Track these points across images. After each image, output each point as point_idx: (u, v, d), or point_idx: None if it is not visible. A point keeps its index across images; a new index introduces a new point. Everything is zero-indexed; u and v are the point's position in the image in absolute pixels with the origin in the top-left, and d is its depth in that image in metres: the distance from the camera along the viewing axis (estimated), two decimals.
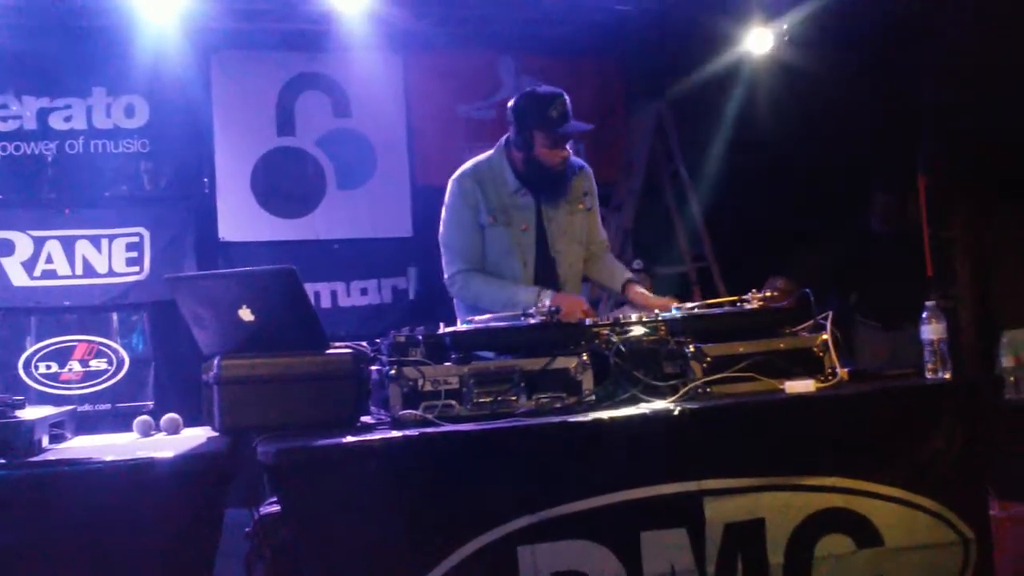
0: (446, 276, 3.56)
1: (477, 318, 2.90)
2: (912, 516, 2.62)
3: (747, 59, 6.35)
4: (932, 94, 5.81)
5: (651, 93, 6.73)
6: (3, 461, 2.29)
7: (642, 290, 3.51)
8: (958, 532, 2.64)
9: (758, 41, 6.23)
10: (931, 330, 2.81)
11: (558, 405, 2.61)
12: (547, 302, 3.20)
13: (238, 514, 2.62)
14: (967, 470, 2.67)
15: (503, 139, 3.54)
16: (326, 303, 6.16)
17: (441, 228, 3.57)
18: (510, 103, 3.48)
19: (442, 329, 2.76)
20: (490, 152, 3.56)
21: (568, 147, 3.45)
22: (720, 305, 3.00)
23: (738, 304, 2.93)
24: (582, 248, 3.64)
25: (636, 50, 6.72)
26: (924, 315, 2.82)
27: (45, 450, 2.51)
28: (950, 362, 2.80)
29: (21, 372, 5.59)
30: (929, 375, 2.81)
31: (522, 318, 2.81)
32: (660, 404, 2.58)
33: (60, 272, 5.74)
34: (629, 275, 3.60)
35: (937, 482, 2.64)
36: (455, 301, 3.63)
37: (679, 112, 6.70)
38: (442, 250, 3.57)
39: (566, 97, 3.39)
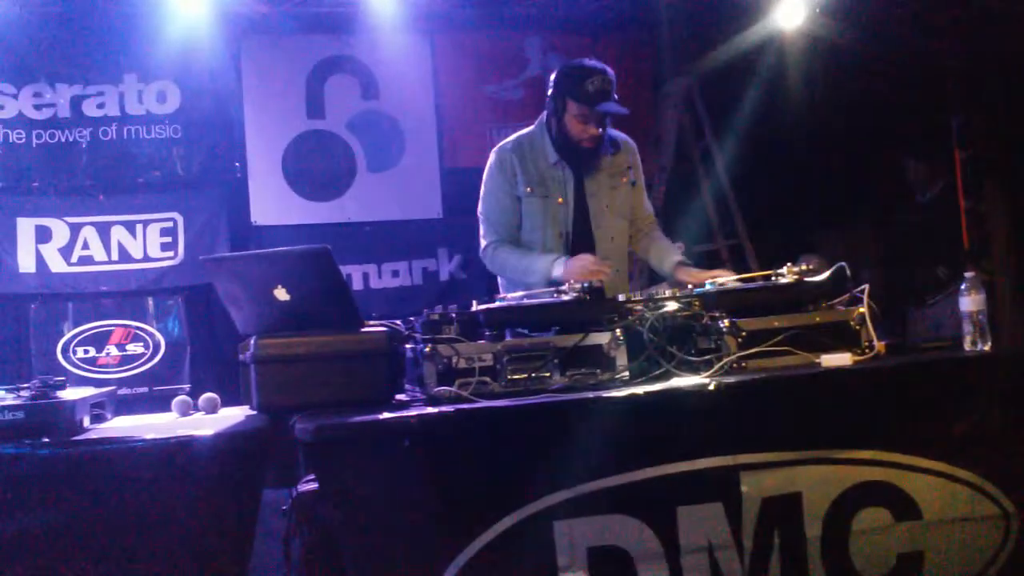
0: (480, 248, 3.59)
1: (510, 295, 2.90)
2: (951, 489, 2.59)
3: (778, 32, 6.26)
4: (966, 65, 5.71)
5: (680, 68, 6.67)
6: (46, 440, 2.33)
7: (694, 271, 3.39)
8: (999, 505, 2.61)
9: (789, 13, 6.14)
10: (970, 302, 2.77)
11: (592, 381, 2.61)
12: (559, 270, 3.22)
13: (275, 495, 2.65)
14: (1008, 443, 2.63)
15: (545, 111, 3.52)
16: (358, 285, 6.19)
17: (480, 200, 3.60)
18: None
19: (475, 307, 2.77)
20: (532, 126, 3.57)
21: (600, 127, 3.40)
22: (754, 279, 2.97)
23: (773, 278, 2.91)
24: (626, 223, 3.62)
25: (664, 25, 6.65)
26: (963, 287, 2.79)
27: (86, 430, 2.55)
28: (989, 334, 2.77)
29: (59, 357, 5.67)
30: (968, 347, 2.77)
31: (554, 295, 2.81)
32: (695, 379, 2.57)
33: (96, 258, 5.81)
34: (680, 258, 3.50)
35: (977, 455, 2.60)
36: (499, 277, 3.66)
37: (709, 87, 6.63)
38: (480, 221, 3.60)
39: (611, 77, 3.35)
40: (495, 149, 3.57)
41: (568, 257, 3.36)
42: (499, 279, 3.66)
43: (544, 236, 3.48)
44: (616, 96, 3.36)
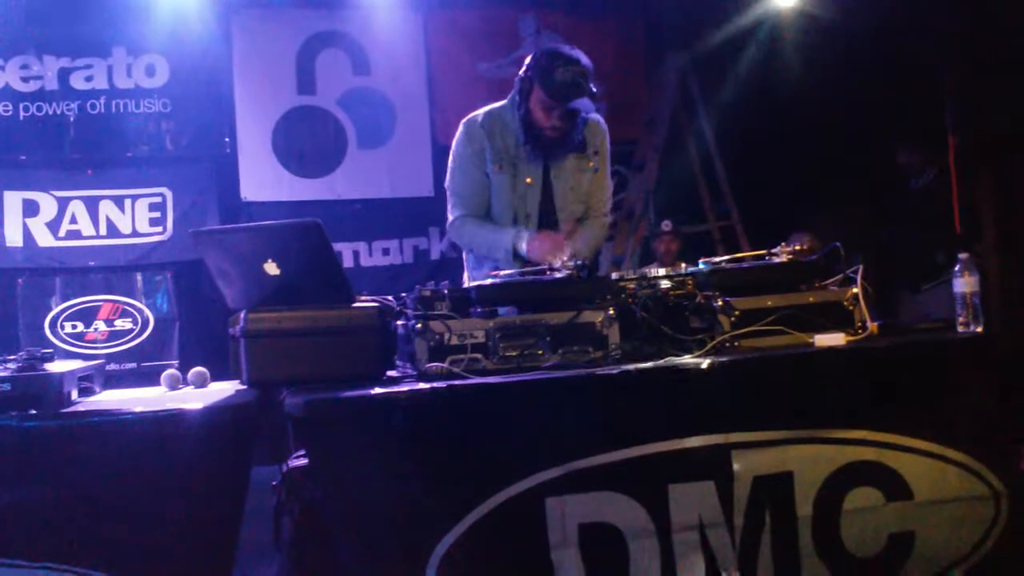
0: (447, 222, 3.52)
1: (502, 272, 2.88)
2: (942, 469, 2.59)
3: (772, 12, 6.24)
4: (960, 50, 5.69)
5: (674, 49, 6.64)
6: (33, 412, 2.31)
7: None
8: (989, 486, 2.61)
9: None
10: (963, 283, 2.76)
11: (584, 359, 2.60)
12: (523, 244, 3.17)
13: (264, 472, 2.63)
14: (999, 424, 2.63)
15: (515, 90, 3.41)
16: (348, 263, 6.17)
17: (447, 174, 3.52)
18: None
19: (467, 283, 2.75)
20: (504, 101, 3.47)
21: (563, 121, 3.30)
22: (748, 259, 2.96)
23: (767, 257, 2.90)
24: (584, 207, 3.52)
25: (658, 5, 6.62)
26: (956, 268, 2.78)
27: (74, 403, 2.53)
28: (982, 316, 2.76)
29: (47, 332, 5.65)
30: (961, 328, 2.77)
31: (548, 272, 2.79)
32: (688, 358, 2.56)
33: (84, 232, 5.78)
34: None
35: (968, 436, 2.60)
36: (463, 252, 3.60)
37: (703, 68, 6.61)
38: (447, 196, 3.52)
39: (586, 69, 3.22)
40: (464, 121, 3.46)
41: (532, 231, 3.28)
42: (464, 257, 3.58)
43: (508, 216, 3.40)
44: (593, 88, 3.23)
